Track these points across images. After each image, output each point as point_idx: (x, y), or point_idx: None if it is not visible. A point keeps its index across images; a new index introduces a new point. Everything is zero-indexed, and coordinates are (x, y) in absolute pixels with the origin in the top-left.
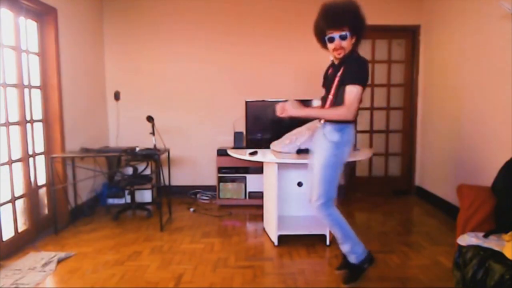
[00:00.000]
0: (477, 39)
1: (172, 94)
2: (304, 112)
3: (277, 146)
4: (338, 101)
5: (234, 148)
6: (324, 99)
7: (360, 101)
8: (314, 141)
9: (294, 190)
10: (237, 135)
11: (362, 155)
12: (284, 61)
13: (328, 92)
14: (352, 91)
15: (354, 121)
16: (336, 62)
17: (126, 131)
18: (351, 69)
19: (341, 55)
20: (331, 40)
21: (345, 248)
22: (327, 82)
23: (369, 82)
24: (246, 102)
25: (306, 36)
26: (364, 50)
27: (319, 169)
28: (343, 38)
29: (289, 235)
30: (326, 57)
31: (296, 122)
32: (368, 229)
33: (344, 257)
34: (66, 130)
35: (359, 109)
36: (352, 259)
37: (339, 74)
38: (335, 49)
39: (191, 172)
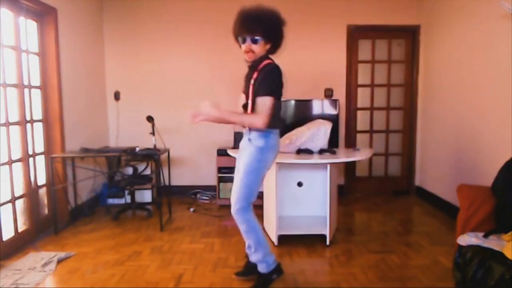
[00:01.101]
0: (477, 39)
1: (172, 94)
2: (221, 114)
3: None
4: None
5: (234, 148)
6: (245, 105)
7: (280, 108)
8: (240, 146)
9: (294, 190)
10: (237, 135)
11: (362, 155)
12: (284, 61)
13: (247, 97)
14: (265, 104)
15: (279, 128)
16: (247, 64)
17: (126, 131)
18: (265, 80)
19: (251, 58)
20: (243, 41)
21: (257, 256)
22: (245, 86)
23: (369, 82)
24: None
25: (307, 36)
26: (364, 50)
27: (242, 173)
28: (254, 41)
29: (289, 235)
30: (326, 57)
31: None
32: (368, 229)
33: (247, 264)
34: (66, 130)
35: (271, 116)
36: (262, 268)
37: (252, 80)
38: (245, 51)
39: (191, 172)
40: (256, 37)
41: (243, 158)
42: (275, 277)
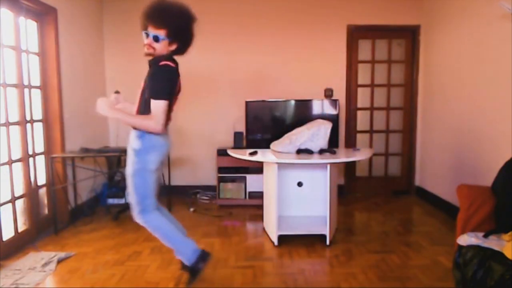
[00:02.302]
0: (477, 39)
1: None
2: (114, 114)
3: (277, 146)
4: (142, 108)
5: (234, 148)
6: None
7: (171, 110)
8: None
9: (294, 190)
10: (237, 135)
11: (362, 155)
12: (285, 61)
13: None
14: (157, 107)
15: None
16: (145, 56)
17: (126, 131)
18: (155, 81)
19: (149, 52)
20: (146, 35)
21: (175, 251)
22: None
23: (369, 82)
24: (246, 102)
25: (306, 36)
26: (364, 50)
27: (128, 177)
28: (155, 39)
29: (289, 235)
30: (326, 57)
31: (296, 122)
32: (368, 229)
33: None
34: (66, 130)
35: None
36: (184, 261)
37: (145, 78)
38: (145, 45)
39: (191, 172)
40: (160, 36)
41: (127, 161)
42: (201, 266)
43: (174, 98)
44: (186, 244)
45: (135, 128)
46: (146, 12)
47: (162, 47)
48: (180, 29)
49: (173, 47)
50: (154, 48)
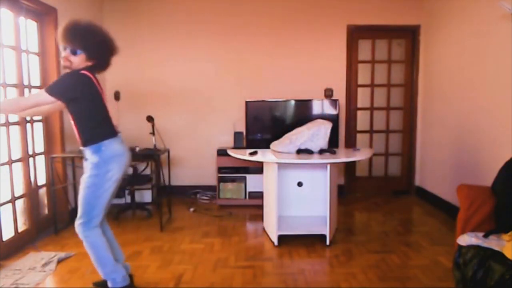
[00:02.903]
0: (477, 39)
1: (172, 94)
2: (3, 106)
3: (277, 146)
4: (77, 125)
5: (234, 148)
6: None
7: (101, 114)
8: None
9: (294, 190)
10: (237, 135)
11: (362, 155)
12: (284, 61)
13: None
14: (37, 94)
15: (110, 136)
16: (63, 69)
17: (126, 131)
18: (56, 80)
19: (66, 65)
20: (64, 48)
21: (100, 272)
22: None
23: (369, 82)
24: (246, 102)
25: (307, 36)
26: (364, 50)
27: (81, 188)
28: (73, 52)
29: (289, 235)
30: (326, 57)
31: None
32: (368, 229)
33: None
34: (66, 130)
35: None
36: (109, 283)
37: None
38: (62, 58)
39: (191, 172)
40: (77, 50)
41: (85, 172)
42: None
43: (102, 102)
44: (117, 272)
45: (88, 145)
46: (61, 32)
47: (79, 61)
48: (94, 47)
49: (90, 63)
50: (70, 62)
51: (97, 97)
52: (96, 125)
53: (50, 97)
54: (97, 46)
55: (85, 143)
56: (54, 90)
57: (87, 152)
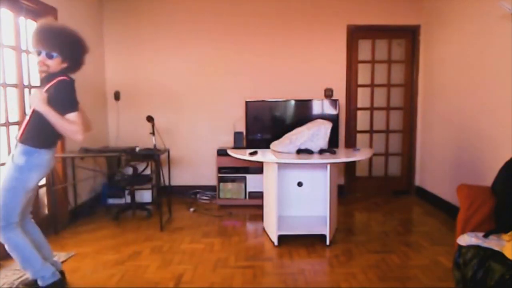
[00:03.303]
0: (477, 39)
1: (172, 94)
2: (46, 110)
3: (277, 146)
4: (32, 122)
5: (234, 148)
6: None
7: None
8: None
9: (294, 190)
10: (237, 135)
11: (362, 155)
12: (284, 61)
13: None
14: (76, 118)
15: (49, 146)
16: (40, 75)
17: (126, 131)
18: (64, 96)
19: (43, 70)
20: (38, 53)
21: (28, 272)
22: None
23: (369, 82)
24: (246, 102)
25: (307, 36)
26: (364, 50)
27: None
28: (49, 56)
29: (289, 235)
30: (326, 57)
31: (296, 122)
32: (368, 229)
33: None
34: None
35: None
36: (39, 281)
37: (45, 90)
38: (38, 62)
39: (191, 172)
40: (52, 53)
41: (4, 170)
42: None
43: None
44: (45, 269)
45: (24, 143)
46: (35, 35)
47: (55, 64)
48: (68, 49)
49: (65, 65)
50: (47, 66)
51: None
52: (43, 131)
53: (77, 112)
54: (71, 47)
55: (25, 141)
56: (76, 104)
57: (18, 150)
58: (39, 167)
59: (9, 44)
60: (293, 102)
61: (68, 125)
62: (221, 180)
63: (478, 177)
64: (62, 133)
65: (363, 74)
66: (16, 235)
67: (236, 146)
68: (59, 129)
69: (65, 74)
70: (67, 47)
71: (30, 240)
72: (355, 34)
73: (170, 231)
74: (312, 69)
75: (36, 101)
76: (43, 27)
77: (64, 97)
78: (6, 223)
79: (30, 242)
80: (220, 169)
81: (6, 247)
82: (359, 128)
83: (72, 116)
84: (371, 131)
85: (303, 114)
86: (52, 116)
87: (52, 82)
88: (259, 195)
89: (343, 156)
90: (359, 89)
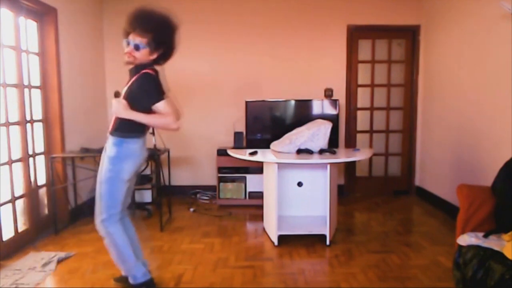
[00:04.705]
0: (477, 39)
1: (172, 93)
2: (130, 114)
3: (277, 146)
4: (120, 120)
5: (234, 148)
6: None
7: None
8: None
9: (294, 190)
10: (237, 135)
11: (362, 155)
12: (284, 61)
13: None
14: (164, 107)
15: (138, 135)
16: (125, 65)
17: None
18: (148, 89)
19: (130, 61)
20: (127, 43)
21: (121, 268)
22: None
23: (369, 82)
24: (246, 102)
25: (307, 36)
26: (364, 50)
27: (99, 183)
28: (136, 48)
29: (289, 235)
30: (326, 57)
31: (296, 122)
32: (368, 229)
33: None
34: (66, 130)
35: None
36: (130, 279)
37: (126, 87)
38: (125, 53)
39: (191, 172)
40: (140, 44)
41: (101, 166)
42: None
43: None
44: (137, 268)
45: (115, 135)
46: (129, 20)
47: (142, 56)
48: (162, 38)
49: (154, 56)
50: (134, 57)
51: None
52: (137, 122)
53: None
54: (164, 40)
55: (114, 133)
56: (162, 94)
57: (109, 142)
58: (130, 156)
59: (9, 44)
60: (293, 102)
61: (159, 119)
62: (221, 180)
63: (478, 177)
64: (157, 128)
65: (363, 74)
66: (117, 230)
67: (236, 146)
68: (153, 126)
69: (152, 66)
70: (157, 39)
71: (127, 237)
72: (355, 34)
73: (170, 231)
74: (312, 69)
75: (120, 110)
76: (135, 16)
77: (148, 90)
78: (107, 215)
79: (127, 240)
80: (220, 169)
81: (106, 240)
82: (359, 128)
83: (159, 105)
84: (371, 131)
85: (303, 114)
86: (140, 118)
87: (136, 76)
88: (259, 195)
89: (343, 156)
90: (359, 89)
